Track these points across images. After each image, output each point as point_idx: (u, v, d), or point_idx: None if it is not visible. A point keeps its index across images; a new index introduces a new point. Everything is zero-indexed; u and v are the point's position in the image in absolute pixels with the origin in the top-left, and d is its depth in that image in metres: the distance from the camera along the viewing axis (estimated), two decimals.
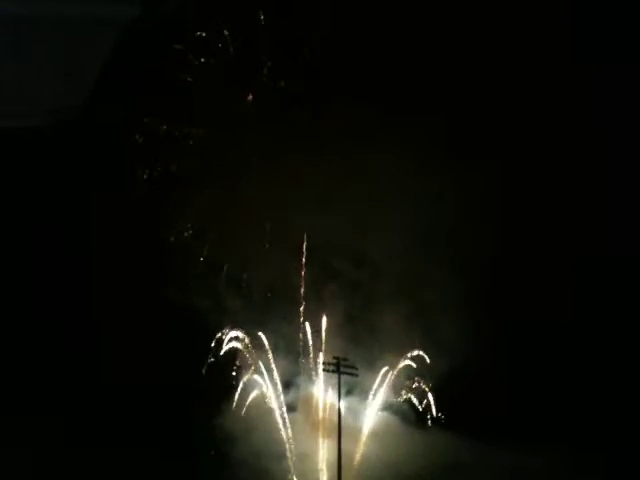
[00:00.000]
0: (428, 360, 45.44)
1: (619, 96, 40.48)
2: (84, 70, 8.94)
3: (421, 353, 45.66)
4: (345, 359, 41.62)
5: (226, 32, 42.23)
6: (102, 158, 40.35)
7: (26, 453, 35.63)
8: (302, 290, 46.26)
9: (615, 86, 40.31)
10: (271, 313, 45.59)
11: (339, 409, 40.31)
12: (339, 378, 40.96)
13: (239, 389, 45.59)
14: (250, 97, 43.02)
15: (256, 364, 45.56)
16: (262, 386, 45.38)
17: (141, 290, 41.82)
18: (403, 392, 46.37)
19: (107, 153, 40.48)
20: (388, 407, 46.06)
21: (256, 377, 45.60)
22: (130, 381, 38.92)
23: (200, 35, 41.60)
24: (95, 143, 38.84)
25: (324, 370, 42.85)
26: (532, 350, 43.89)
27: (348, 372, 41.33)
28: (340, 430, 39.82)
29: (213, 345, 45.59)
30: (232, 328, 45.66)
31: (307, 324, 46.59)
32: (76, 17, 8.01)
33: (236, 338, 45.76)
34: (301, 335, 46.35)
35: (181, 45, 41.58)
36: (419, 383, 46.25)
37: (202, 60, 42.43)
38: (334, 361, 41.53)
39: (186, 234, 44.24)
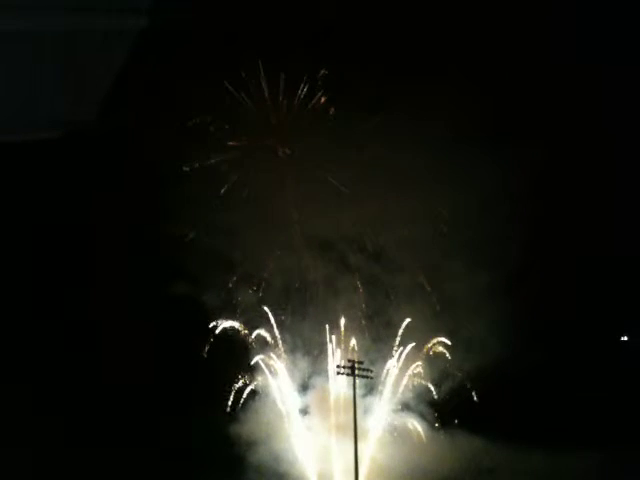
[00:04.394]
0: (454, 360, 44.80)
1: (631, 97, 40.07)
2: (92, 82, 9.01)
3: (446, 352, 45.06)
4: (360, 362, 41.44)
5: (233, 40, 42.12)
6: (110, 166, 40.64)
7: (26, 453, 35.60)
8: (319, 286, 45.74)
9: (627, 87, 40.00)
10: (287, 310, 45.30)
11: (354, 412, 40.03)
12: (354, 381, 40.72)
13: (255, 391, 45.12)
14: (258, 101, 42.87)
15: (272, 365, 45.17)
16: (279, 387, 45.01)
17: (146, 289, 41.89)
18: (428, 392, 45.64)
19: (116, 162, 40.74)
20: (410, 408, 45.57)
21: (273, 378, 45.22)
22: (140, 383, 38.94)
23: (207, 44, 41.61)
24: (104, 153, 39.06)
25: (338, 373, 42.59)
26: (561, 351, 43.66)
27: (363, 375, 41.16)
28: (356, 433, 39.78)
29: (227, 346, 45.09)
30: (246, 327, 45.19)
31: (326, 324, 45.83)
32: (82, 30, 8.08)
33: (250, 338, 45.36)
34: (319, 334, 45.77)
35: (189, 55, 41.68)
36: (444, 383, 45.58)
37: (210, 69, 42.44)
38: (349, 364, 41.24)
39: (194, 232, 43.89)
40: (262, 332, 45.48)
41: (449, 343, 44.92)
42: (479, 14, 39.02)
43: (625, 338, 47.34)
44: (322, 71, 42.53)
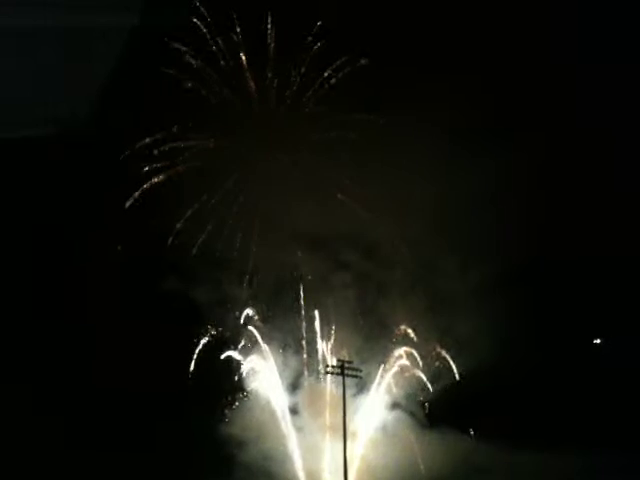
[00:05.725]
0: (446, 358, 44.90)
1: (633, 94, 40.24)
2: (87, 80, 8.98)
3: (438, 350, 45.08)
4: (350, 362, 41.45)
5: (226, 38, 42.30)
6: (105, 165, 40.59)
7: (24, 455, 35.69)
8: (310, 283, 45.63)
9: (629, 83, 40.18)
10: (278, 308, 45.23)
11: (344, 411, 40.00)
12: (344, 381, 40.70)
13: (245, 390, 45.05)
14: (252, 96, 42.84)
15: (262, 364, 45.01)
16: (268, 387, 44.88)
17: (141, 290, 41.78)
18: (419, 391, 45.71)
19: (110, 160, 40.72)
20: (401, 406, 45.58)
21: (263, 378, 45.06)
22: (132, 384, 38.79)
23: (201, 42, 41.74)
24: (99, 151, 38.98)
25: (327, 373, 42.62)
26: (556, 352, 44.05)
27: (352, 375, 41.15)
28: (345, 433, 39.76)
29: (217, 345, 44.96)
30: (237, 326, 45.06)
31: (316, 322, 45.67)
32: (75, 27, 8.05)
33: (242, 337, 45.19)
34: (308, 333, 45.72)
35: (182, 52, 41.79)
36: (435, 381, 45.66)
37: (203, 66, 42.54)
38: (338, 364, 41.25)
39: (188, 231, 43.85)
40: (254, 331, 45.41)
41: (439, 350, 45.07)
42: (481, 10, 39.19)
43: (598, 341, 47.69)
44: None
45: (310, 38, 42.16)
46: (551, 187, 43.24)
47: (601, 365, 43.34)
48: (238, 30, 42.14)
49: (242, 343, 45.37)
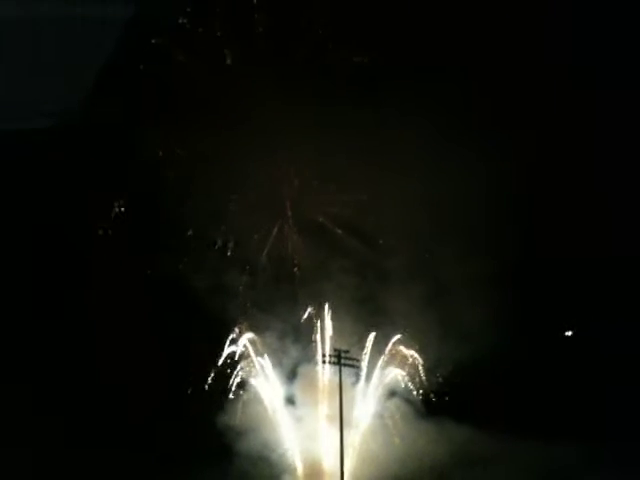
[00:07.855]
0: (443, 347, 44.91)
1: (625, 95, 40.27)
2: (81, 71, 8.91)
3: (436, 339, 45.10)
4: (346, 351, 41.50)
5: (224, 31, 42.06)
6: (100, 158, 40.44)
7: (24, 454, 35.83)
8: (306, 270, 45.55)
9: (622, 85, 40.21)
10: (275, 296, 45.08)
11: (340, 401, 40.17)
12: (340, 371, 40.83)
13: (244, 381, 45.06)
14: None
15: (259, 352, 45.03)
16: (267, 377, 44.94)
17: (137, 281, 41.86)
18: (415, 379, 45.83)
19: (105, 154, 40.55)
20: (399, 395, 45.67)
21: (261, 367, 45.10)
22: (131, 377, 38.83)
23: (197, 34, 41.50)
24: (93, 144, 38.81)
25: (324, 362, 42.72)
26: (552, 342, 44.37)
27: (349, 364, 41.25)
28: (342, 422, 39.78)
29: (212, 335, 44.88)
30: (234, 317, 44.98)
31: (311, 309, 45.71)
32: (72, 18, 7.97)
33: (240, 325, 45.17)
34: (307, 321, 45.67)
35: (178, 45, 41.55)
36: (432, 371, 45.74)
37: (199, 59, 42.33)
38: (335, 353, 41.32)
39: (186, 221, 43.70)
40: (252, 320, 45.40)
41: (441, 334, 45.05)
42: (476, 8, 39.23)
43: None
44: None
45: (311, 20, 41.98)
46: (541, 188, 43.38)
47: (600, 354, 43.52)
48: (222, 24, 41.95)
49: (240, 332, 45.32)
